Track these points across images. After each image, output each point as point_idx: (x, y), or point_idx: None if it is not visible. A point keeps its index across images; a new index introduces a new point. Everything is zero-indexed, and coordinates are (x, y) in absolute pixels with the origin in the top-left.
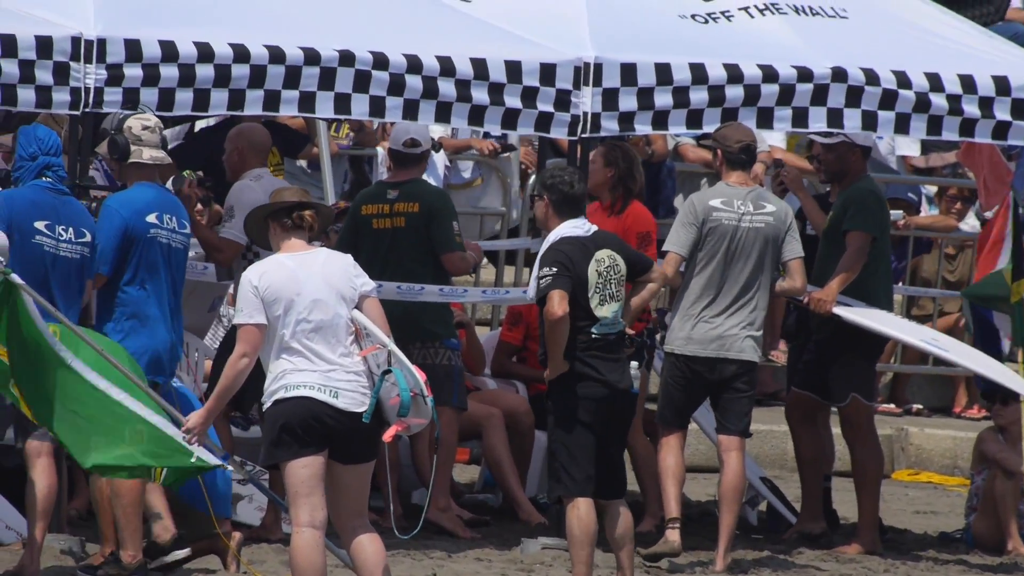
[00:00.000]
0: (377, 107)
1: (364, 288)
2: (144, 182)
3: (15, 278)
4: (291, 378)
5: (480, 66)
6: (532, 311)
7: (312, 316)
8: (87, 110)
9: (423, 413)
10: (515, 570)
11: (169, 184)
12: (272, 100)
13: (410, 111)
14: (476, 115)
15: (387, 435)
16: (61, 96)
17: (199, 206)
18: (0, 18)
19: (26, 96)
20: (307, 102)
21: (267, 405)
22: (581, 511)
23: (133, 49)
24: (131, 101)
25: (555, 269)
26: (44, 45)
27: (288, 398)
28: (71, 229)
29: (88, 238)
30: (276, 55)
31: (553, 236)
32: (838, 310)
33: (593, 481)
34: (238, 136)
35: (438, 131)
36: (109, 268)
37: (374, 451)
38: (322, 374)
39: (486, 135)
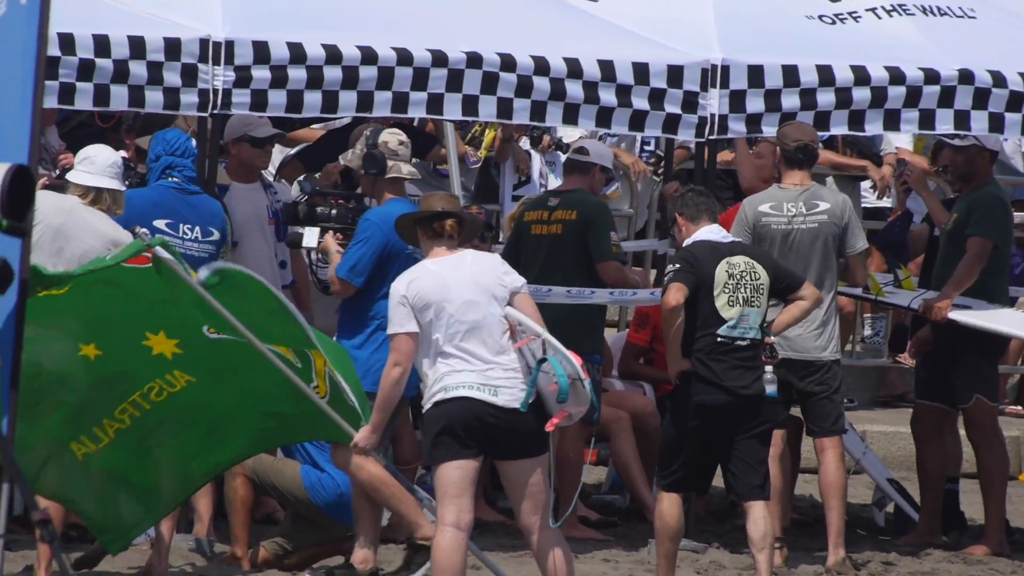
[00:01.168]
0: (505, 109)
1: (515, 284)
2: (397, 198)
3: (160, 251)
4: (449, 379)
5: (608, 68)
6: (659, 313)
7: (465, 317)
8: (215, 112)
9: (582, 399)
10: (642, 571)
11: (296, 186)
12: (400, 102)
13: (537, 113)
14: (603, 117)
15: (549, 425)
16: (189, 98)
17: None
18: (128, 20)
19: (154, 98)
20: (435, 104)
21: (427, 407)
22: (664, 506)
23: (261, 51)
24: (259, 103)
25: (678, 265)
26: (172, 47)
27: (448, 399)
28: (197, 228)
29: (216, 236)
30: (404, 57)
31: (688, 241)
32: (954, 314)
33: (685, 485)
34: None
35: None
36: (362, 280)
37: (541, 445)
38: (480, 373)
39: (641, 155)
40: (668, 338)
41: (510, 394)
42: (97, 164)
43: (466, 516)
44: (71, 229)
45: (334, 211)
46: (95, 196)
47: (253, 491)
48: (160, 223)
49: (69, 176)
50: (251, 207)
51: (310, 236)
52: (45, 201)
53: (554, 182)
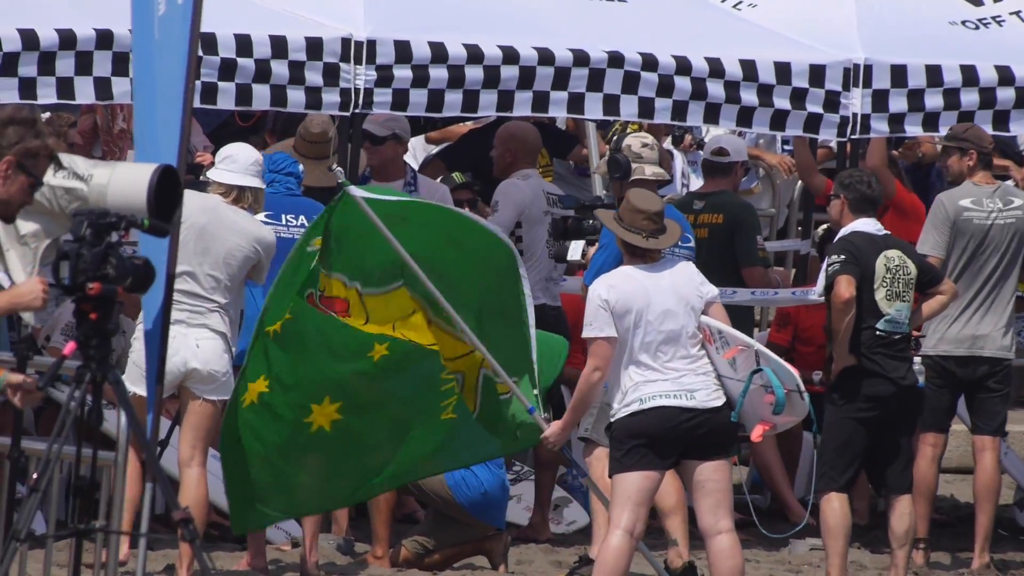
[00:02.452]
0: (646, 108)
1: (710, 295)
2: None
3: (353, 191)
4: (645, 389)
5: (749, 67)
6: (800, 313)
7: (663, 326)
8: (356, 111)
9: (798, 410)
10: (783, 571)
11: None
12: (541, 101)
13: (679, 112)
14: (744, 116)
15: (755, 435)
16: (331, 97)
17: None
18: (270, 20)
19: (296, 97)
20: (576, 103)
21: (619, 416)
22: (835, 505)
23: (403, 50)
24: (400, 102)
25: (843, 256)
26: (314, 46)
27: (644, 410)
28: (301, 216)
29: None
30: (545, 56)
31: (845, 231)
32: None
33: (853, 482)
34: (510, 138)
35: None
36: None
37: (732, 447)
38: (674, 381)
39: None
40: (838, 332)
41: (706, 395)
42: (239, 162)
43: (640, 526)
44: (215, 228)
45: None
46: (237, 194)
47: (395, 490)
48: (259, 216)
49: (211, 174)
50: None
51: (575, 249)
52: (189, 201)
53: (696, 182)
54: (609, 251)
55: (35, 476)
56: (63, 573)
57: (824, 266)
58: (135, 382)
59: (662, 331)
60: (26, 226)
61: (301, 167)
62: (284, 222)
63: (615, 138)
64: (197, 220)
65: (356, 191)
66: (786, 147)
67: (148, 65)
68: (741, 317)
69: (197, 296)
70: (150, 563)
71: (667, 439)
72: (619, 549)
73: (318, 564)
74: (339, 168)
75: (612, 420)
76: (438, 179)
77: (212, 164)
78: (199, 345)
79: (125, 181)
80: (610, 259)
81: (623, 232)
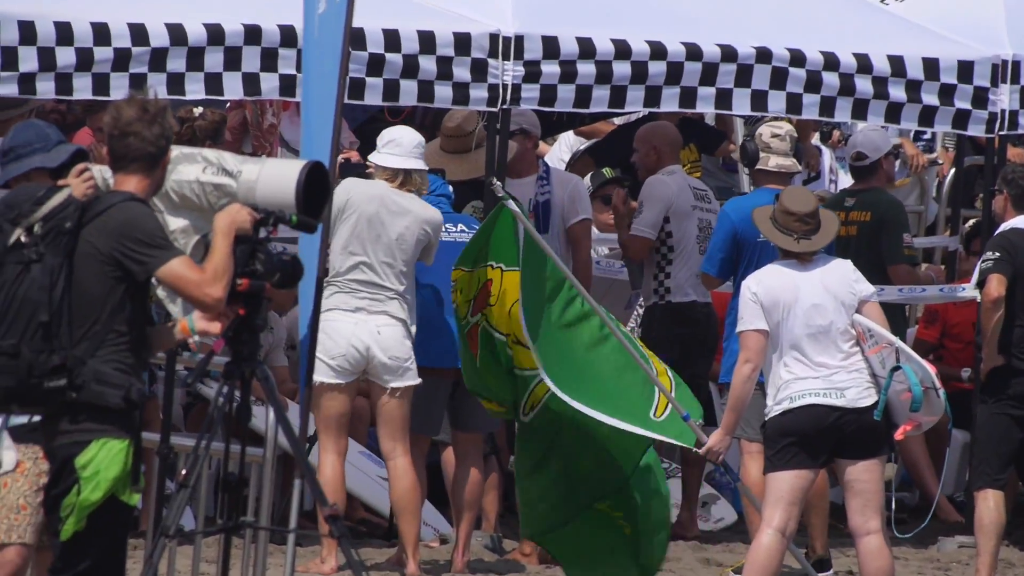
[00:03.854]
0: (793, 104)
1: (864, 293)
2: (764, 188)
3: (511, 204)
4: (795, 387)
5: (897, 63)
6: (948, 309)
7: (812, 321)
8: (504, 107)
9: (935, 408)
10: (932, 568)
11: (588, 181)
12: (688, 97)
13: (827, 108)
14: (892, 112)
15: (898, 433)
16: (479, 93)
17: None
18: (419, 15)
19: (443, 93)
20: (723, 99)
21: (772, 414)
22: (991, 503)
23: (550, 46)
24: (548, 98)
25: (997, 254)
26: (462, 42)
27: (795, 408)
28: (460, 224)
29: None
30: (692, 52)
31: (1003, 227)
32: None
33: (1007, 480)
34: (653, 134)
35: None
36: (716, 270)
37: (882, 447)
38: (824, 379)
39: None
40: (987, 331)
41: (856, 393)
42: (403, 146)
43: (793, 524)
44: (385, 215)
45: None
46: (403, 178)
47: None
48: None
49: (374, 159)
50: None
51: None
52: (356, 189)
53: (843, 177)
54: (718, 236)
55: (184, 472)
56: (212, 569)
57: (979, 262)
58: (318, 372)
59: (810, 326)
60: (175, 222)
61: (451, 188)
62: (445, 230)
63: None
64: (366, 209)
65: (513, 206)
66: (923, 137)
67: (308, 63)
68: (893, 315)
69: (374, 285)
70: (298, 560)
71: (817, 438)
72: (770, 548)
73: (468, 562)
74: (498, 182)
75: (766, 419)
76: (587, 175)
77: (359, 161)
78: (380, 332)
79: (274, 177)
80: (717, 244)
81: (775, 235)
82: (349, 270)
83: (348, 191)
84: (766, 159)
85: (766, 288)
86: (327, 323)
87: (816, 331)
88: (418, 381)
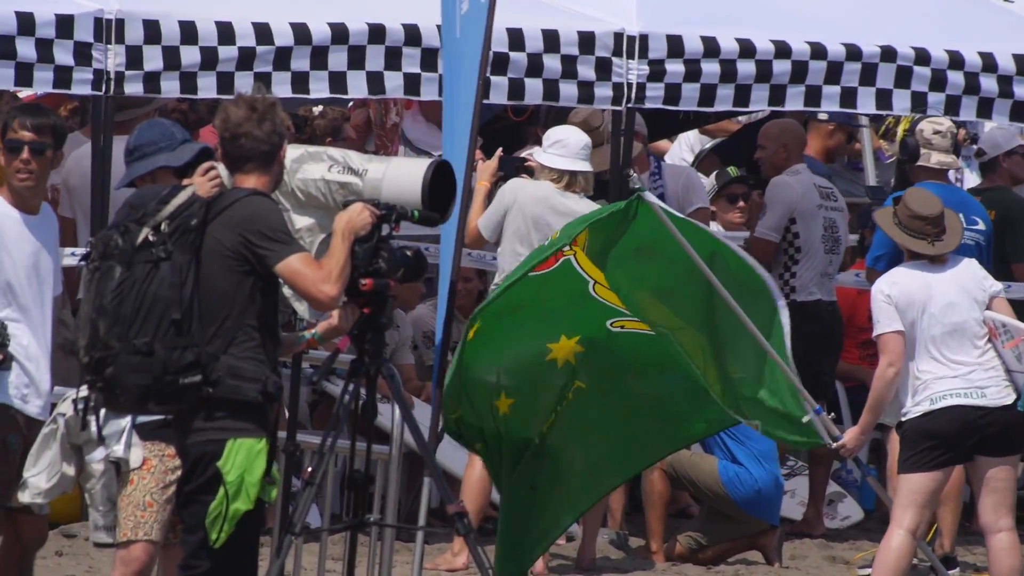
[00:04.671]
0: (918, 103)
1: (993, 289)
2: (926, 183)
3: (648, 196)
4: (935, 387)
5: (1021, 62)
6: None
7: (947, 319)
8: (629, 105)
9: None
10: None
11: (713, 179)
12: (813, 96)
13: (952, 107)
14: (1018, 111)
15: None
16: (603, 91)
17: (740, 203)
18: (543, 13)
19: (568, 91)
20: (848, 98)
21: (910, 416)
22: None
23: (675, 45)
24: (672, 97)
25: None
26: (586, 40)
27: (936, 410)
28: None
29: None
30: (817, 51)
31: None
32: None
33: None
34: (783, 132)
35: None
36: (884, 266)
37: (1021, 445)
38: (963, 377)
39: None
40: None
41: (996, 392)
42: (570, 147)
43: (923, 526)
44: (551, 216)
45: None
46: (569, 179)
47: (670, 485)
48: None
49: (541, 158)
50: None
51: None
52: (522, 191)
53: (969, 176)
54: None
55: (309, 469)
56: (338, 567)
57: None
58: None
59: (946, 324)
60: (301, 220)
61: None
62: None
63: (887, 130)
64: (532, 210)
65: (651, 198)
66: None
67: (449, 63)
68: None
69: None
70: (426, 557)
71: (959, 438)
72: (900, 549)
73: (594, 559)
74: (634, 174)
75: (903, 420)
76: (712, 173)
77: (517, 156)
78: None
79: (400, 175)
80: (884, 239)
81: (904, 239)
82: None
83: (514, 192)
84: (927, 155)
85: (900, 289)
86: None
87: (952, 329)
88: None
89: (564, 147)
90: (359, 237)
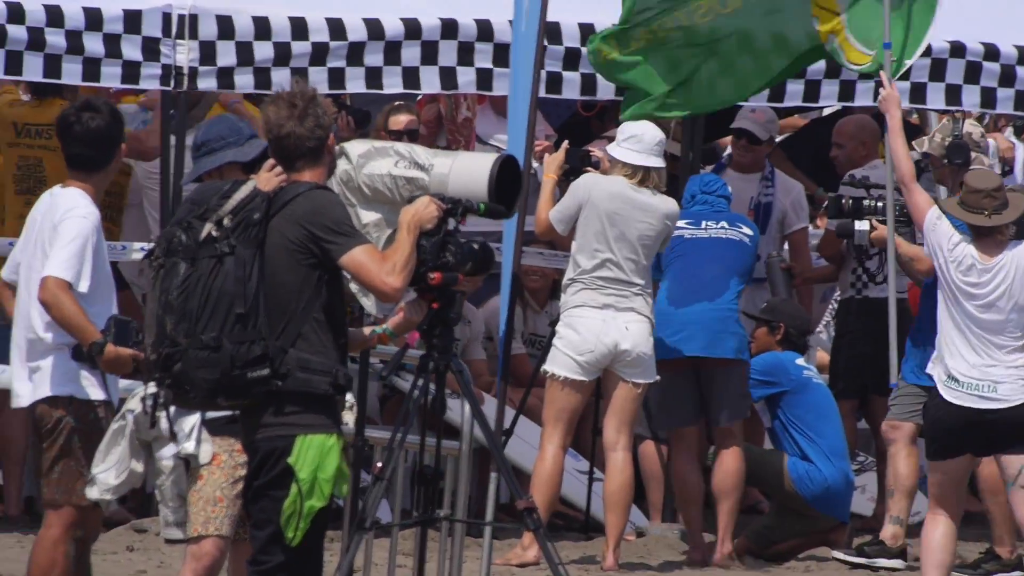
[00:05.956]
0: (988, 98)
1: None
2: None
3: None
4: (952, 364)
5: None
6: None
7: (991, 304)
8: None
9: None
10: None
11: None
12: (918, 93)
13: (1021, 103)
14: None
15: None
16: None
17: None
18: (615, 8)
19: (605, 83)
20: (918, 94)
21: (935, 404)
22: None
23: None
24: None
25: None
26: None
27: (947, 402)
28: (723, 221)
29: (746, 228)
30: (956, 49)
31: None
32: None
33: None
34: (861, 129)
35: None
36: None
37: None
38: (980, 368)
39: None
40: None
41: (1010, 389)
42: (644, 142)
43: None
44: (627, 211)
45: (879, 203)
46: (643, 175)
47: (742, 481)
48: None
49: (615, 153)
50: (734, 196)
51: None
52: (596, 187)
53: None
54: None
55: (379, 465)
56: (408, 562)
57: None
58: (564, 367)
59: (988, 307)
60: (368, 215)
61: (730, 188)
62: (703, 227)
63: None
64: (606, 207)
65: None
66: None
67: (514, 56)
68: None
69: (621, 281)
70: (495, 552)
71: (964, 431)
72: (941, 538)
73: (732, 555)
74: None
75: (926, 405)
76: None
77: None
78: (628, 328)
79: (466, 170)
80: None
81: (963, 214)
82: (595, 268)
83: (588, 188)
84: (979, 159)
85: (950, 238)
86: (576, 320)
87: (993, 316)
88: (657, 378)
89: (638, 142)
90: (425, 231)
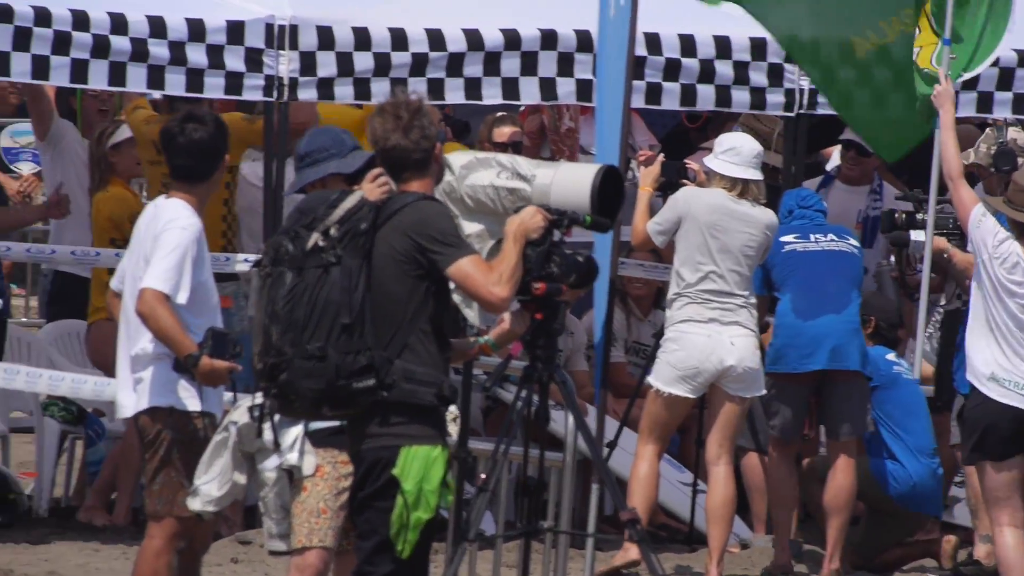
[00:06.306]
0: (1020, 104)
1: None
2: None
3: None
4: (995, 369)
5: None
6: None
7: None
8: (800, 111)
9: None
10: None
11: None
12: (984, 102)
13: None
14: None
15: None
16: (775, 98)
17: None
18: (715, 20)
19: (740, 98)
20: (1020, 103)
21: (975, 403)
22: None
23: None
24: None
25: None
26: (759, 47)
27: (992, 399)
28: (830, 233)
29: (852, 239)
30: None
31: None
32: None
33: None
34: (963, 139)
35: None
36: None
37: None
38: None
39: None
40: None
41: None
42: (743, 155)
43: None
44: (728, 223)
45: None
46: (742, 188)
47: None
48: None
49: (713, 165)
50: (841, 209)
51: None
52: (695, 200)
53: None
54: None
55: (483, 476)
56: (512, 573)
57: None
58: (668, 382)
59: None
60: (470, 226)
61: (826, 204)
62: (812, 240)
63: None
64: (707, 219)
65: None
66: None
67: (601, 67)
68: None
69: (725, 294)
70: (599, 564)
71: (1016, 430)
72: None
73: (839, 572)
74: None
75: (964, 408)
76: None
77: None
78: (733, 343)
79: (568, 181)
80: None
81: (1012, 212)
82: (699, 280)
83: (688, 202)
84: None
85: (997, 236)
86: (682, 335)
87: None
88: (763, 392)
89: (737, 154)
90: (531, 240)
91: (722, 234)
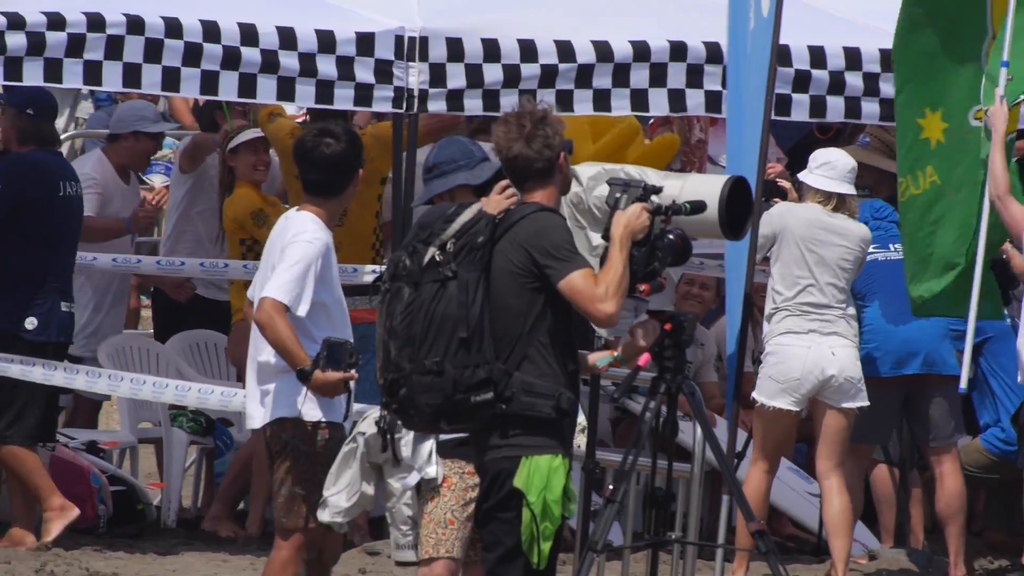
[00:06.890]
0: None
1: None
2: None
3: None
4: None
5: None
6: None
7: None
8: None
9: None
10: None
11: None
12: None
13: None
14: None
15: None
16: (871, 108)
17: None
18: (845, 31)
19: (870, 109)
20: None
21: None
22: None
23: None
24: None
25: None
26: (888, 58)
27: None
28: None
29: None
30: None
31: None
32: None
33: None
34: None
35: None
36: None
37: None
38: None
39: None
40: None
41: None
42: (838, 169)
43: None
44: (823, 236)
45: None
46: (837, 203)
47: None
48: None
49: (808, 180)
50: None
51: None
52: (791, 214)
53: None
54: None
55: (611, 487)
56: None
57: None
58: (771, 396)
59: None
60: (598, 238)
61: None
62: (893, 249)
63: None
64: (802, 233)
65: None
66: None
67: (735, 79)
68: None
69: (823, 306)
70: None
71: None
72: None
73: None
74: None
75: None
76: None
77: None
78: (834, 353)
79: (697, 192)
80: None
81: None
82: (797, 294)
83: (783, 217)
84: None
85: None
86: (782, 348)
87: None
88: (867, 403)
89: (832, 169)
90: (636, 241)
91: (818, 247)
